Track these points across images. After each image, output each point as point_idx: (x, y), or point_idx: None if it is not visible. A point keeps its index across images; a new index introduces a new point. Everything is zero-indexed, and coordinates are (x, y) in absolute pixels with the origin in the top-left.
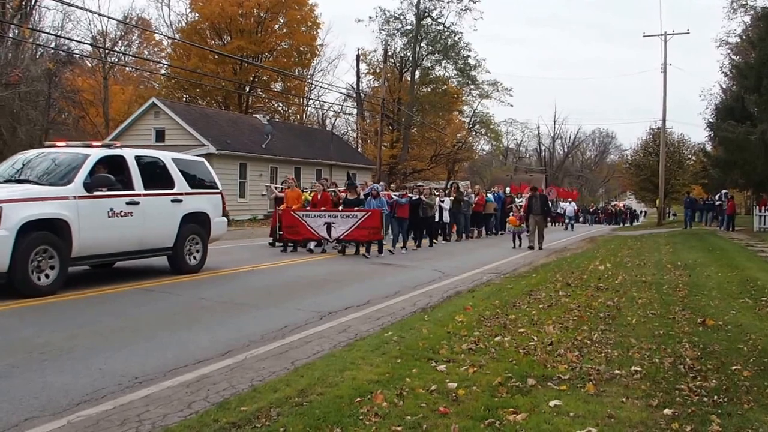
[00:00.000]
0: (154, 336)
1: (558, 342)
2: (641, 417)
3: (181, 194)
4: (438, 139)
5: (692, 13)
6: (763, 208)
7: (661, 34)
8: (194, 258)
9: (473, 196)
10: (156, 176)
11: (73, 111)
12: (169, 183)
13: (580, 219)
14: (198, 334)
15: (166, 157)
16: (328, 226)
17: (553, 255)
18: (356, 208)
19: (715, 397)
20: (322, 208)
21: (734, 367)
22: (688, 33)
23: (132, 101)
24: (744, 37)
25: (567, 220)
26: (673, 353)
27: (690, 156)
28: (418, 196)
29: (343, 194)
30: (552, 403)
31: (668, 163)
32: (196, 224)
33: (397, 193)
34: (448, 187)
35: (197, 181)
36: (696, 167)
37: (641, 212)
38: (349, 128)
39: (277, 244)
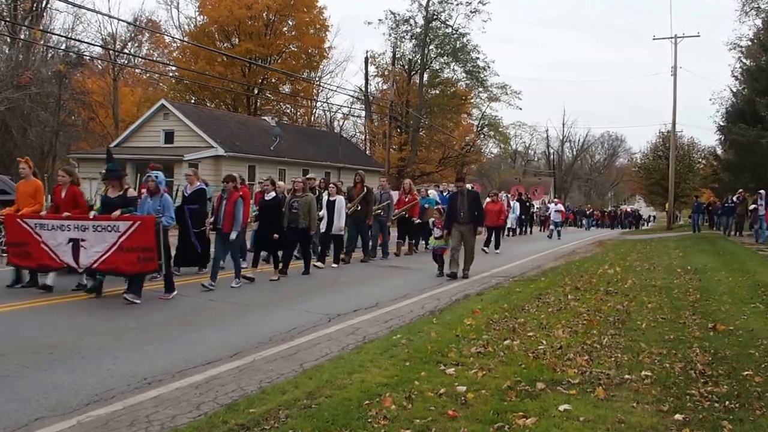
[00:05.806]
0: (163, 337)
1: (567, 346)
2: (651, 422)
3: None
4: (446, 141)
5: (703, 14)
6: None
7: (672, 37)
8: None
9: (393, 194)
10: None
11: (82, 113)
12: None
13: (581, 222)
14: (206, 334)
15: None
16: (75, 244)
17: (561, 258)
18: (120, 215)
19: (727, 402)
20: (66, 214)
21: (746, 373)
22: (698, 36)
23: (141, 103)
24: (755, 41)
25: (552, 226)
26: (684, 358)
27: (700, 159)
28: (273, 195)
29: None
30: (562, 408)
31: (678, 167)
32: None
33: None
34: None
35: None
36: (706, 171)
37: (650, 216)
38: (358, 131)
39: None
